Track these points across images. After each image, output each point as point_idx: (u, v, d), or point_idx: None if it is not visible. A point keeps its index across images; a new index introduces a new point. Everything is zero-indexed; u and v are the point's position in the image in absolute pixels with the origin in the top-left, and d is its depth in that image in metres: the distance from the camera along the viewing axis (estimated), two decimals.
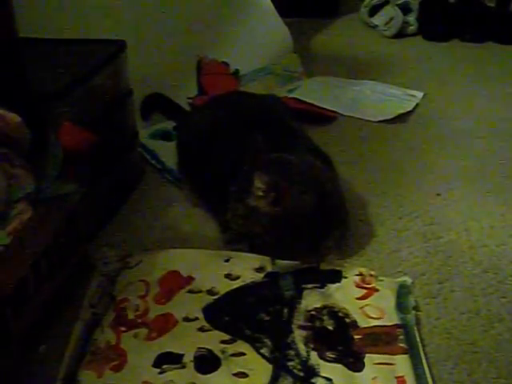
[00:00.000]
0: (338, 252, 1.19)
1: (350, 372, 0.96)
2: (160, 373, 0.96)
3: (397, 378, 0.95)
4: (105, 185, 1.30)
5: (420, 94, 1.88)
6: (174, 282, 1.12)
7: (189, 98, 1.76)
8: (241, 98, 1.48)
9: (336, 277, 1.13)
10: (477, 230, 1.30)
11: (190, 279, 1.13)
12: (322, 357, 0.98)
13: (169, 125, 1.63)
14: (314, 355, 0.99)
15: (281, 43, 2.09)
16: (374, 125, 1.73)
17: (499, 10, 2.34)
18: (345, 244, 1.22)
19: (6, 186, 1.02)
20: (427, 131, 1.70)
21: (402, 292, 1.10)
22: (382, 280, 1.12)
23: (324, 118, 1.74)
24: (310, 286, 1.12)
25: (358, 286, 1.12)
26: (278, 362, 0.98)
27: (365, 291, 1.10)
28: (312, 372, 0.96)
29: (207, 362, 0.98)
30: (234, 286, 1.11)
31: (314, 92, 1.87)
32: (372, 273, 1.13)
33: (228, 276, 1.13)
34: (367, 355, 0.99)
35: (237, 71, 1.91)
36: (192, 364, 0.98)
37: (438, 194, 1.42)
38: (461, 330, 1.06)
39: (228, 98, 1.49)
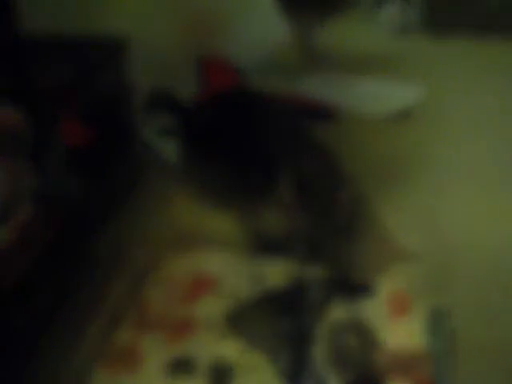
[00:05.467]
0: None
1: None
2: (173, 379, 0.95)
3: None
4: (106, 181, 1.29)
5: (422, 89, 1.86)
6: (199, 285, 1.11)
7: (191, 93, 1.73)
8: (244, 96, 1.47)
9: (367, 291, 1.10)
10: (480, 226, 1.29)
11: (215, 283, 1.12)
12: (341, 377, 0.95)
13: (171, 121, 1.60)
14: (331, 376, 0.96)
15: (280, 39, 2.08)
16: (375, 120, 1.71)
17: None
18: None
19: (7, 182, 1.00)
20: (429, 126, 1.69)
21: (436, 316, 1.06)
22: (415, 300, 1.08)
23: (324, 113, 1.72)
24: (338, 298, 1.08)
25: (389, 303, 1.08)
26: (295, 380, 0.95)
27: (396, 310, 1.07)
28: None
29: (221, 373, 0.96)
30: (260, 293, 1.09)
31: (314, 88, 1.85)
32: (406, 291, 1.10)
33: (254, 282, 1.11)
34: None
35: (237, 67, 1.88)
36: (206, 373, 0.96)
37: (439, 193, 1.40)
38: (466, 327, 1.05)
39: (231, 95, 1.48)
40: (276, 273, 1.13)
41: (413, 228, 1.26)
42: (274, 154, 1.23)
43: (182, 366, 0.97)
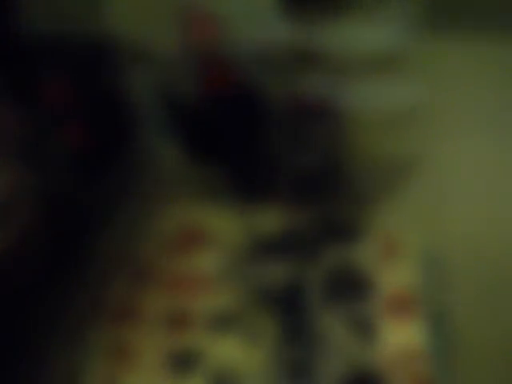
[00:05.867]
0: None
1: (365, 343, 0.94)
2: (170, 333, 0.97)
3: (414, 353, 0.93)
4: (106, 180, 1.28)
5: (423, 88, 1.84)
6: (193, 240, 1.12)
7: (191, 92, 1.74)
8: (244, 95, 1.49)
9: (360, 239, 1.10)
10: (482, 221, 1.28)
11: (209, 237, 1.12)
12: (335, 324, 0.97)
13: (170, 119, 1.59)
14: (326, 321, 0.97)
15: (281, 38, 2.05)
16: (376, 119, 1.68)
17: None
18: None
19: (7, 182, 1.02)
20: (431, 125, 1.65)
21: (430, 262, 1.07)
22: (409, 248, 1.08)
23: (325, 113, 1.72)
24: (331, 242, 1.09)
25: (383, 250, 1.08)
26: (289, 326, 0.97)
27: (390, 257, 1.07)
28: (323, 339, 0.95)
29: (219, 326, 0.98)
30: (254, 244, 1.10)
31: (314, 87, 1.83)
32: (399, 238, 1.10)
33: (248, 233, 1.12)
34: (385, 326, 0.97)
35: (237, 65, 1.87)
36: (203, 325, 0.98)
37: (442, 188, 1.39)
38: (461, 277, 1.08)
39: (231, 94, 1.49)
40: (269, 223, 1.14)
41: (414, 225, 1.25)
42: (274, 153, 1.24)
43: (178, 319, 0.98)
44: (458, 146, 1.59)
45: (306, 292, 1.02)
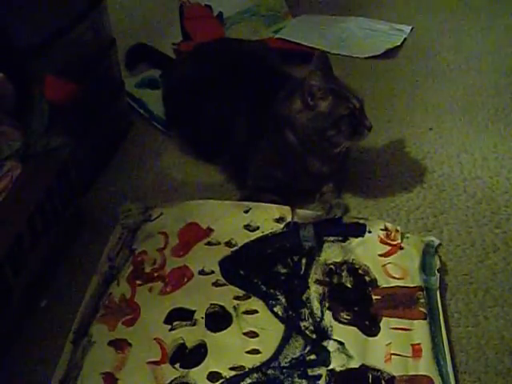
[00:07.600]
0: (335, 191, 1.20)
1: (365, 336, 0.93)
2: (171, 329, 0.96)
3: (412, 345, 0.92)
4: (94, 136, 1.26)
5: (408, 28, 1.84)
6: (193, 234, 1.10)
7: (173, 44, 1.72)
8: (227, 45, 1.46)
9: (359, 230, 1.09)
10: (470, 162, 1.31)
11: (209, 231, 1.11)
12: (336, 317, 0.96)
13: (155, 73, 1.59)
14: (328, 315, 0.96)
15: None
16: (362, 61, 1.69)
17: None
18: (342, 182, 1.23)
19: None
20: (416, 66, 1.67)
21: (428, 252, 1.06)
22: (407, 237, 1.08)
23: (311, 57, 1.71)
24: (331, 238, 1.09)
25: (382, 241, 1.07)
26: (291, 321, 0.96)
27: (389, 248, 1.06)
28: (324, 334, 0.94)
29: (218, 320, 0.97)
30: (253, 237, 1.09)
31: (299, 31, 1.82)
32: (398, 229, 1.09)
33: (247, 227, 1.11)
34: (384, 318, 0.96)
35: (220, 14, 1.87)
36: (203, 321, 0.97)
37: (430, 129, 1.41)
38: (456, 262, 1.07)
39: (214, 45, 1.46)
40: (268, 217, 1.13)
41: (405, 167, 1.26)
42: (257, 99, 1.21)
43: (178, 316, 0.97)
44: (444, 82, 1.59)
45: (308, 289, 1.01)
